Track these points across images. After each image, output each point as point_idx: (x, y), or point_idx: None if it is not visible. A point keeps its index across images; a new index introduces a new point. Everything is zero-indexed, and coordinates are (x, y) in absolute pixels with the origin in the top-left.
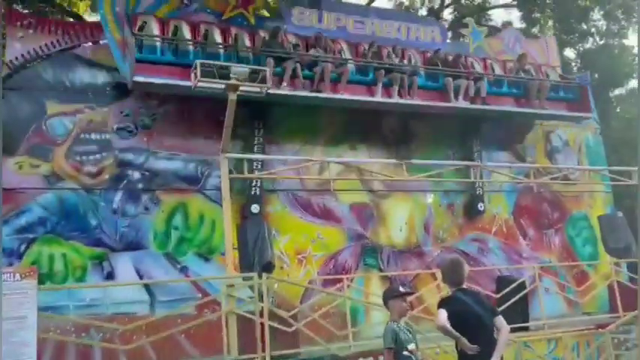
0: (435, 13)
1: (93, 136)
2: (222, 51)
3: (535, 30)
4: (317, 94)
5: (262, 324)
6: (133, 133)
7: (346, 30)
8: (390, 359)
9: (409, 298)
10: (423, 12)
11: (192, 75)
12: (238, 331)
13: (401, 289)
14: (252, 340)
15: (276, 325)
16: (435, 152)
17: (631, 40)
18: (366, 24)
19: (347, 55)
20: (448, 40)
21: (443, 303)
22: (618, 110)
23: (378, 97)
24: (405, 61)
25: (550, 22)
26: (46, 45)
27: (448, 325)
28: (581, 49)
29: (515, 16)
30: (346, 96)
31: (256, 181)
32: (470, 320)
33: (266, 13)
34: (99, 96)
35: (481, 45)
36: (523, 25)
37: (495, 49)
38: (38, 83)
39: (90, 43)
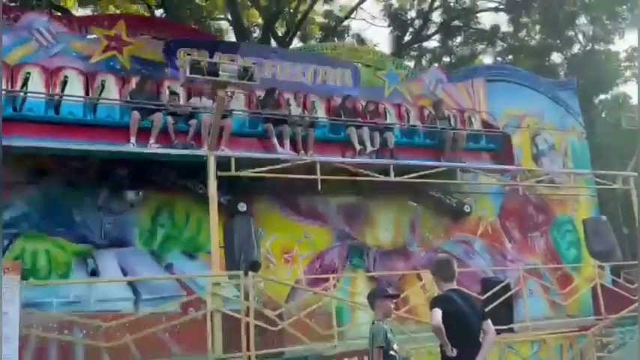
0: (424, 16)
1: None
2: (81, 102)
3: (522, 33)
4: (191, 151)
5: (248, 323)
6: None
7: None
8: (380, 358)
9: (394, 301)
10: (413, 14)
11: (181, 71)
12: (223, 329)
13: (389, 290)
14: (236, 339)
15: (261, 324)
16: None
17: (617, 46)
18: (265, 66)
19: (237, 104)
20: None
21: (437, 302)
22: (604, 115)
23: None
24: (306, 111)
25: (537, 27)
26: None
27: (442, 327)
28: (568, 54)
29: (503, 19)
30: (226, 152)
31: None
32: (459, 321)
33: (146, 56)
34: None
35: (397, 88)
36: (511, 29)
37: (414, 93)
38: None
39: None
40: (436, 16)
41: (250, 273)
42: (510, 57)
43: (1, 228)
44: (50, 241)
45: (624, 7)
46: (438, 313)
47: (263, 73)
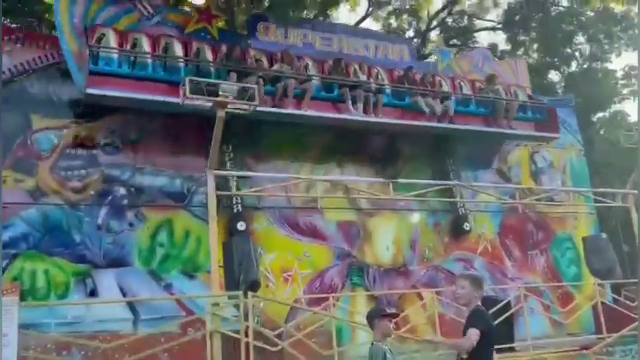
0: (422, 35)
1: (78, 151)
2: (182, 64)
3: (520, 52)
4: (279, 109)
5: (247, 343)
6: (119, 149)
7: (313, 47)
8: None
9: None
10: (411, 33)
11: (181, 91)
12: (222, 350)
13: (387, 309)
14: (236, 359)
15: (261, 344)
16: (417, 171)
17: (614, 64)
18: (333, 41)
19: (312, 71)
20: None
21: (479, 320)
22: (602, 133)
23: (345, 115)
24: (372, 79)
25: (535, 45)
26: (33, 59)
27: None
28: (565, 72)
29: (501, 38)
30: (310, 112)
31: (237, 199)
32: (490, 340)
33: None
34: (85, 111)
35: (450, 64)
36: (509, 47)
37: (464, 69)
38: (25, 97)
39: None
40: (434, 36)
41: (250, 293)
42: None
43: (1, 248)
44: (49, 261)
45: (620, 26)
46: (476, 335)
47: (332, 46)
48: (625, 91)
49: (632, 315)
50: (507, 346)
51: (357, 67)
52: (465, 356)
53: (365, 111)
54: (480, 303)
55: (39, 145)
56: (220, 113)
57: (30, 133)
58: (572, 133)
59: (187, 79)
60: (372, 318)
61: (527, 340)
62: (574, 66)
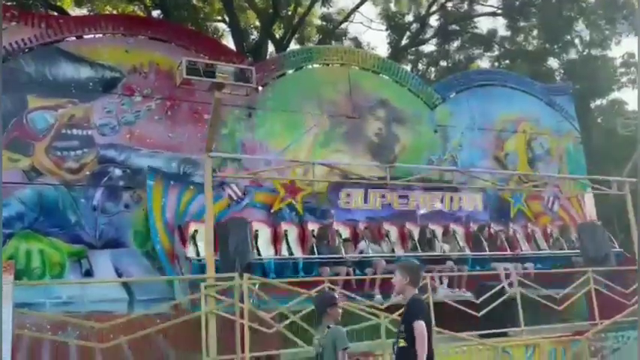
0: (421, 20)
1: (74, 131)
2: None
3: (520, 38)
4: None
5: (242, 325)
6: (115, 130)
7: (391, 207)
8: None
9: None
10: (410, 18)
11: (177, 72)
12: (217, 331)
13: (335, 295)
14: (231, 340)
15: (256, 326)
16: None
17: (613, 52)
18: (410, 197)
19: (395, 241)
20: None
21: (420, 312)
22: (599, 121)
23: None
24: (450, 238)
25: (535, 32)
26: (29, 38)
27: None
28: (565, 59)
29: (500, 23)
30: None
31: None
32: (430, 330)
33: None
34: (81, 91)
35: (521, 208)
36: (508, 34)
37: (534, 211)
38: (20, 77)
39: (74, 38)
40: (433, 21)
41: (245, 275)
42: (507, 61)
43: (1, 227)
44: (44, 242)
45: (621, 13)
46: (423, 325)
47: (408, 205)
48: (624, 79)
49: (626, 302)
50: (499, 330)
51: (439, 232)
52: (402, 344)
53: (450, 285)
54: (416, 292)
55: (35, 125)
56: (218, 95)
57: (26, 112)
58: (569, 120)
59: (184, 60)
60: (323, 306)
61: (521, 325)
62: (573, 53)
